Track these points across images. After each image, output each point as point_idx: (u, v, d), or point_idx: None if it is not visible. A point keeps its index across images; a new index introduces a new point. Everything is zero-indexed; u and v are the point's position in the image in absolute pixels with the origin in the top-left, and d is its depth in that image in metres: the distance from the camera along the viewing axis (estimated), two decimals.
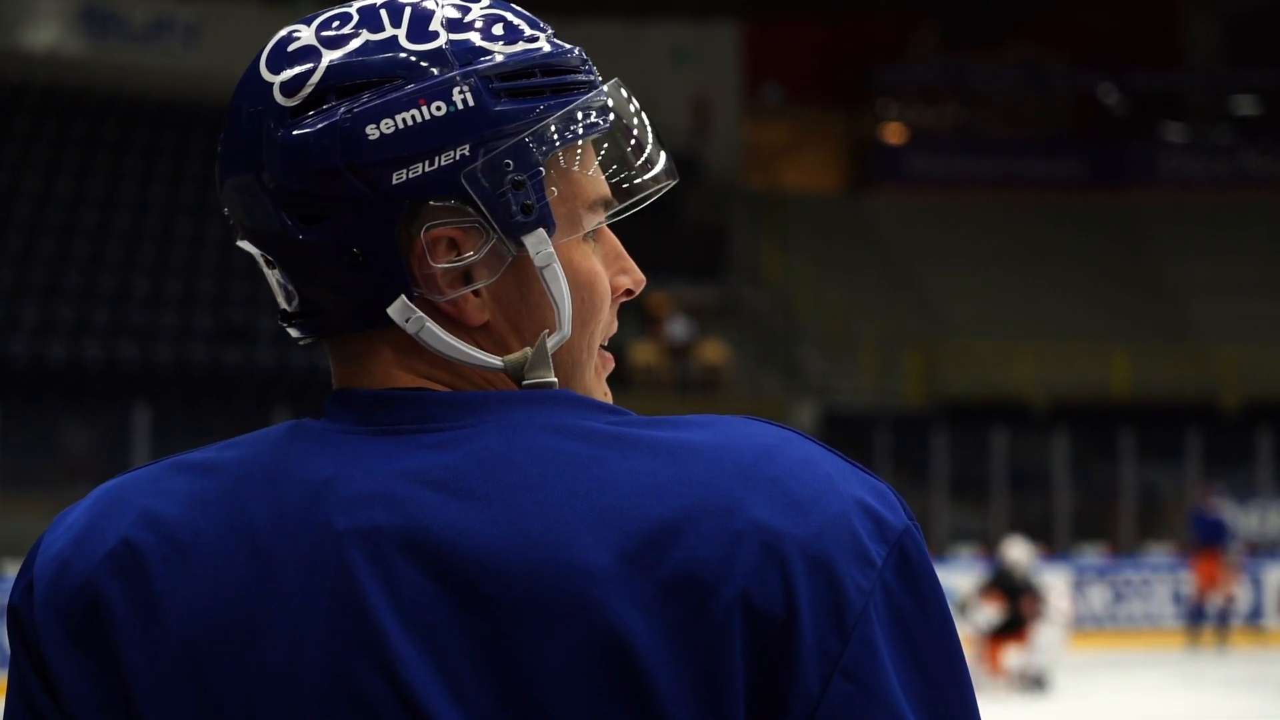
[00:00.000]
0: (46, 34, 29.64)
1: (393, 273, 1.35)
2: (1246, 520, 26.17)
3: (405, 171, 1.34)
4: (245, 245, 1.42)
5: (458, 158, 1.34)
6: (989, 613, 17.81)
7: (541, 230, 1.36)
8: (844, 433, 24.43)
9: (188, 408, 22.55)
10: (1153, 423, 26.54)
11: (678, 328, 28.08)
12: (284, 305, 1.42)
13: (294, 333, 1.43)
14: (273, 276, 1.41)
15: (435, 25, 1.37)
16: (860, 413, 27.21)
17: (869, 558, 1.28)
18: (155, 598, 1.33)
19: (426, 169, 1.34)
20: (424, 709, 1.26)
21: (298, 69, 1.37)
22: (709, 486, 1.28)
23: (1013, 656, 17.71)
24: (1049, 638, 17.54)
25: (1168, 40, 36.73)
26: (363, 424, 1.36)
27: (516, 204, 1.35)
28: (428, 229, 1.35)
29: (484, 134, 1.35)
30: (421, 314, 1.35)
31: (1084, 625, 23.10)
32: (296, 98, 1.36)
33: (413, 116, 1.34)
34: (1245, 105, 37.22)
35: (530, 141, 1.36)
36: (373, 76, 1.35)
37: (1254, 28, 36.07)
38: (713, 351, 28.48)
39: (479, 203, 1.35)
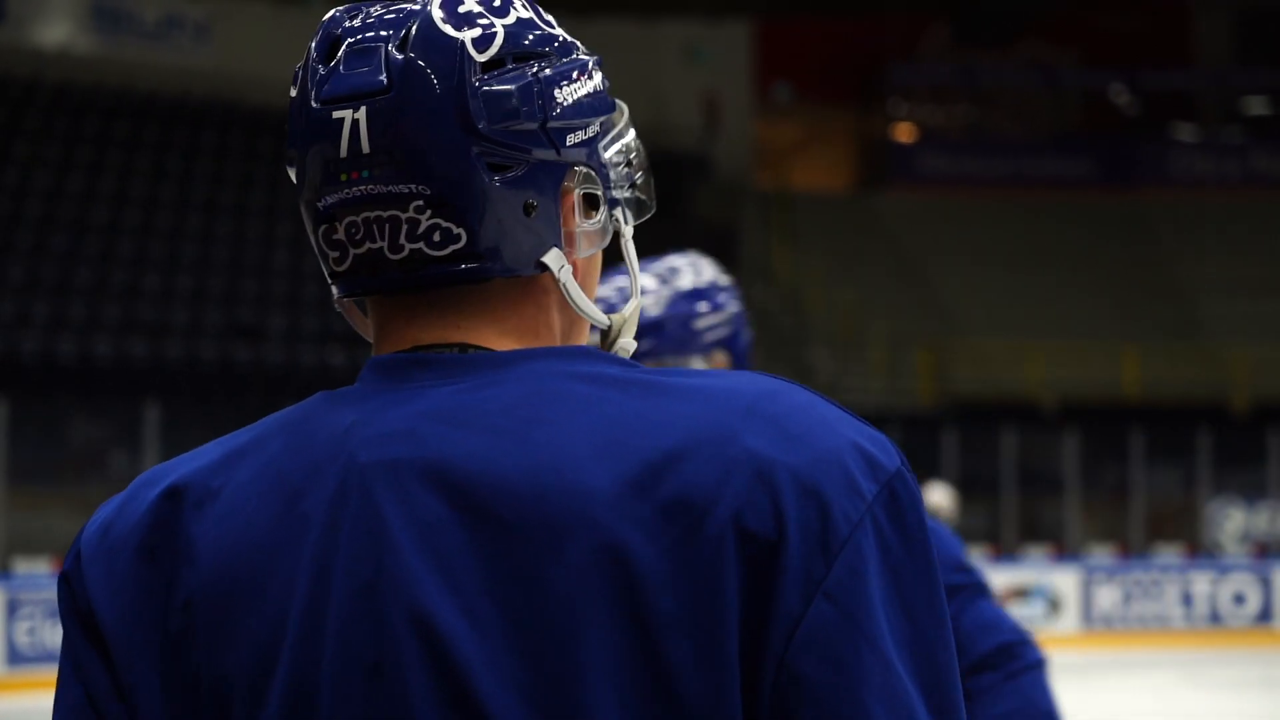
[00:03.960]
0: (57, 31, 29.67)
1: (553, 226, 1.48)
2: (1256, 521, 26.15)
3: (575, 136, 1.48)
4: (358, 190, 1.45)
5: (595, 132, 1.51)
6: None
7: (625, 209, 1.55)
8: None
9: (198, 404, 22.56)
10: (1163, 423, 26.52)
11: None
12: (423, 248, 1.45)
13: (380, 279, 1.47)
14: (407, 220, 1.45)
15: (547, 15, 1.53)
16: (870, 412, 27.18)
17: (859, 491, 1.35)
18: (189, 540, 1.43)
19: (584, 137, 1.49)
20: (436, 624, 1.34)
21: (480, 29, 1.47)
22: (710, 420, 1.36)
23: None
24: None
25: (1179, 40, 36.69)
26: (389, 382, 1.45)
27: (629, 181, 1.55)
28: (577, 192, 1.50)
29: (608, 115, 1.53)
30: (569, 265, 1.49)
31: (1094, 625, 23.10)
32: (485, 55, 1.46)
33: (582, 88, 1.50)
34: (1256, 105, 37.19)
35: (621, 129, 1.56)
36: (538, 48, 1.49)
37: (1265, 27, 36.03)
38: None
39: (609, 174, 1.52)
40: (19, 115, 27.48)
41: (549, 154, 1.46)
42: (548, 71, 1.47)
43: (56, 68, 28.44)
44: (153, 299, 24.68)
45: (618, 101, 1.56)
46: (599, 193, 1.50)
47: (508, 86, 1.45)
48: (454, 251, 1.44)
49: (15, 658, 17.32)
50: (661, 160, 31.01)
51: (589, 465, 1.35)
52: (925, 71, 36.37)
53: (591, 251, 1.52)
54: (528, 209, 1.45)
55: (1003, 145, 36.02)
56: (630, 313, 1.55)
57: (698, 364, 3.26)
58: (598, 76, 1.52)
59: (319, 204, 1.47)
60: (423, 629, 1.34)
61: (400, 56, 1.44)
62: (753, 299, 30.96)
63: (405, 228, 1.44)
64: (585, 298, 1.49)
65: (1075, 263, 32.69)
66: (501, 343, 1.47)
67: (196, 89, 28.80)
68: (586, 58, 1.52)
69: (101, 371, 23.14)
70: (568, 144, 1.47)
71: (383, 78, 1.44)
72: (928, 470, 24.15)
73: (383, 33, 1.46)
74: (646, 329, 3.22)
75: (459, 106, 1.43)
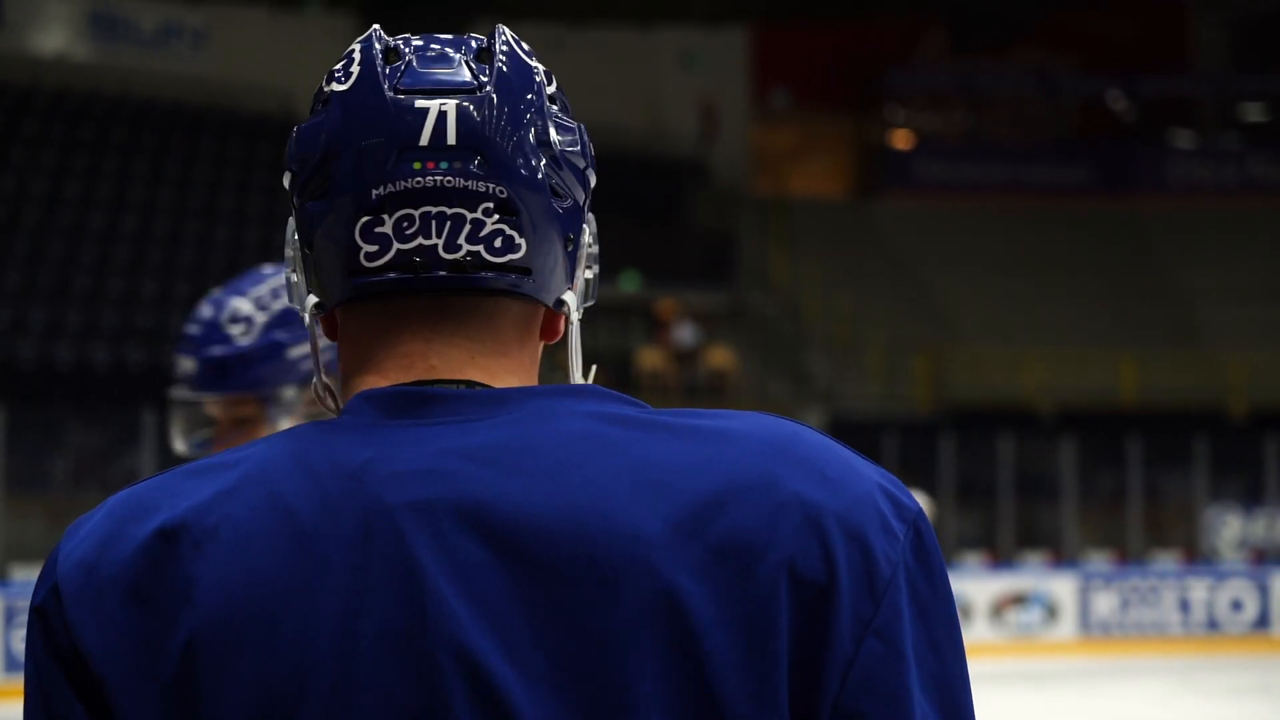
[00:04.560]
0: (55, 38, 29.67)
1: (572, 269, 1.50)
2: (1253, 527, 26.14)
3: (589, 195, 1.52)
4: (453, 181, 1.44)
5: (587, 202, 1.52)
6: None
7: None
8: (851, 438, 24.07)
9: None
10: (1160, 429, 26.51)
11: (685, 333, 28.08)
12: (482, 251, 1.45)
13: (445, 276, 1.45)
14: (477, 221, 1.45)
15: None
16: (868, 418, 27.20)
17: (894, 532, 1.39)
18: (188, 580, 1.37)
19: (587, 197, 1.52)
20: (483, 669, 1.32)
21: (542, 66, 1.52)
22: (747, 465, 1.37)
23: None
24: None
25: (1176, 45, 36.71)
26: (392, 417, 1.41)
27: (595, 263, 1.55)
28: (585, 248, 1.52)
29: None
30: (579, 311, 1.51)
31: (1091, 632, 23.09)
32: (550, 88, 1.51)
33: (591, 151, 1.52)
34: (1253, 111, 37.20)
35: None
36: (563, 104, 1.53)
37: (1262, 33, 36.04)
38: (720, 357, 28.47)
39: (591, 242, 1.54)
40: (16, 122, 27.47)
41: (583, 198, 1.49)
42: (581, 126, 1.52)
43: (54, 74, 28.43)
44: (150, 305, 24.67)
45: None
46: (585, 256, 1.53)
47: (569, 121, 1.49)
48: (510, 261, 1.44)
49: (13, 665, 17.31)
50: (659, 166, 31.05)
51: (633, 509, 1.34)
52: (923, 77, 36.37)
53: (583, 306, 1.53)
54: (567, 242, 1.48)
55: (1000, 151, 36.02)
56: (592, 380, 1.54)
57: (291, 393, 3.16)
58: None
59: (373, 191, 1.43)
60: (471, 673, 1.32)
61: (485, 65, 1.46)
62: (750, 305, 30.99)
63: (468, 228, 1.43)
64: (577, 347, 1.50)
65: (1073, 269, 32.69)
66: (505, 380, 1.46)
67: (193, 96, 28.78)
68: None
69: (99, 378, 23.13)
70: (586, 195, 1.51)
71: (469, 79, 1.45)
72: (925, 477, 24.18)
73: (453, 47, 1.48)
74: (256, 358, 3.12)
75: (540, 121, 1.46)
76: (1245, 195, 35.21)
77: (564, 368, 1.52)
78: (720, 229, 31.89)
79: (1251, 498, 26.36)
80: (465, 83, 1.45)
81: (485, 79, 1.45)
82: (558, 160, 1.46)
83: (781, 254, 32.41)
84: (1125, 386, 29.51)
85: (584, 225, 1.51)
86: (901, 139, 36.59)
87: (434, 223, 1.43)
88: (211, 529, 1.37)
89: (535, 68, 1.49)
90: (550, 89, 1.49)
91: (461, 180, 1.43)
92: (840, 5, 35.40)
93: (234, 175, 27.79)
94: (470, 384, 1.44)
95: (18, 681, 17.09)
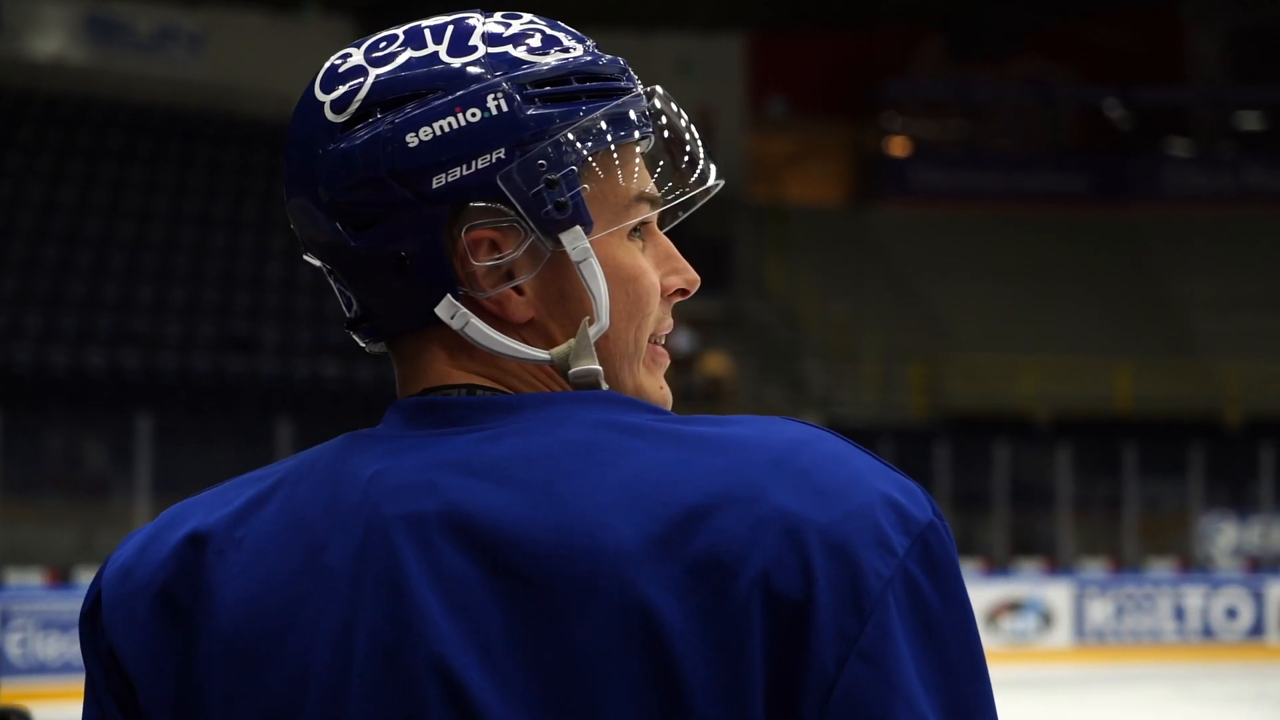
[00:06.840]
0: (51, 42, 29.66)
1: (438, 273, 1.42)
2: (1248, 535, 26.14)
3: (444, 176, 1.41)
4: (309, 258, 1.51)
5: (494, 161, 1.41)
6: None
7: (578, 227, 1.43)
8: None
9: (191, 417, 22.53)
10: (1156, 437, 26.51)
11: (681, 339, 28.07)
12: (348, 313, 1.50)
13: (359, 339, 1.51)
14: (335, 287, 1.51)
15: (475, 40, 1.45)
16: (863, 425, 27.18)
17: (891, 547, 1.32)
18: (210, 591, 1.40)
19: (464, 173, 1.41)
20: (460, 682, 1.32)
21: (346, 86, 1.44)
22: (738, 475, 1.33)
23: None
24: None
25: (1173, 56, 36.73)
26: (410, 428, 1.42)
27: (550, 202, 1.42)
28: (468, 230, 1.42)
29: (520, 137, 1.42)
30: (466, 311, 1.42)
31: (1086, 639, 23.08)
32: (345, 113, 1.43)
33: (449, 124, 1.41)
34: (1249, 121, 37.23)
35: (564, 143, 1.43)
36: (414, 89, 1.42)
37: (1259, 43, 36.07)
38: (716, 363, 28.46)
39: (514, 203, 1.41)
40: (12, 126, 27.46)
41: (411, 201, 1.41)
42: (414, 113, 1.41)
43: (50, 79, 28.43)
44: (146, 311, 24.65)
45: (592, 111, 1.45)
46: (516, 225, 1.42)
47: (352, 144, 1.41)
48: (356, 314, 1.48)
49: (7, 669, 17.28)
50: None
51: (613, 521, 1.31)
52: (920, 86, 36.39)
53: (530, 277, 1.43)
54: (399, 262, 1.42)
55: (997, 160, 36.04)
56: (577, 342, 1.44)
57: None
58: (495, 102, 1.41)
59: None
60: (448, 686, 1.32)
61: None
62: (746, 312, 30.99)
63: (338, 294, 1.51)
64: (499, 339, 1.42)
65: (1068, 277, 32.71)
66: (509, 380, 1.45)
67: (190, 100, 28.77)
68: (491, 84, 1.42)
69: (94, 383, 23.10)
70: (433, 186, 1.40)
71: None
72: (920, 484, 24.09)
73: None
74: None
75: (311, 175, 1.44)
76: (1241, 204, 35.23)
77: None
78: (716, 236, 31.87)
79: (1246, 506, 26.36)
80: None
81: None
82: (333, 201, 1.42)
83: (778, 261, 32.42)
84: (1121, 395, 29.51)
85: (453, 211, 1.41)
86: (898, 147, 36.60)
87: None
88: (238, 539, 1.41)
89: (320, 106, 1.44)
90: (341, 116, 1.42)
91: (314, 261, 1.50)
92: (838, 14, 35.41)
93: (230, 181, 27.78)
94: (471, 389, 1.44)
95: (12, 685, 17.06)
